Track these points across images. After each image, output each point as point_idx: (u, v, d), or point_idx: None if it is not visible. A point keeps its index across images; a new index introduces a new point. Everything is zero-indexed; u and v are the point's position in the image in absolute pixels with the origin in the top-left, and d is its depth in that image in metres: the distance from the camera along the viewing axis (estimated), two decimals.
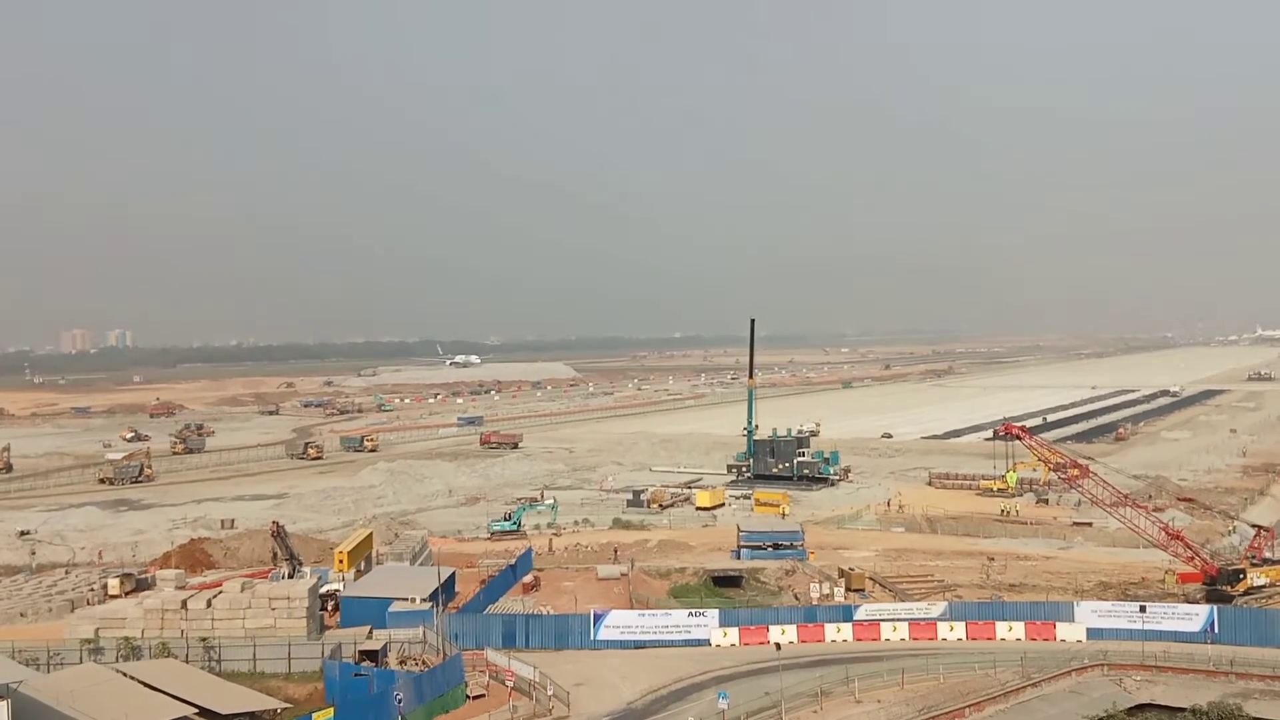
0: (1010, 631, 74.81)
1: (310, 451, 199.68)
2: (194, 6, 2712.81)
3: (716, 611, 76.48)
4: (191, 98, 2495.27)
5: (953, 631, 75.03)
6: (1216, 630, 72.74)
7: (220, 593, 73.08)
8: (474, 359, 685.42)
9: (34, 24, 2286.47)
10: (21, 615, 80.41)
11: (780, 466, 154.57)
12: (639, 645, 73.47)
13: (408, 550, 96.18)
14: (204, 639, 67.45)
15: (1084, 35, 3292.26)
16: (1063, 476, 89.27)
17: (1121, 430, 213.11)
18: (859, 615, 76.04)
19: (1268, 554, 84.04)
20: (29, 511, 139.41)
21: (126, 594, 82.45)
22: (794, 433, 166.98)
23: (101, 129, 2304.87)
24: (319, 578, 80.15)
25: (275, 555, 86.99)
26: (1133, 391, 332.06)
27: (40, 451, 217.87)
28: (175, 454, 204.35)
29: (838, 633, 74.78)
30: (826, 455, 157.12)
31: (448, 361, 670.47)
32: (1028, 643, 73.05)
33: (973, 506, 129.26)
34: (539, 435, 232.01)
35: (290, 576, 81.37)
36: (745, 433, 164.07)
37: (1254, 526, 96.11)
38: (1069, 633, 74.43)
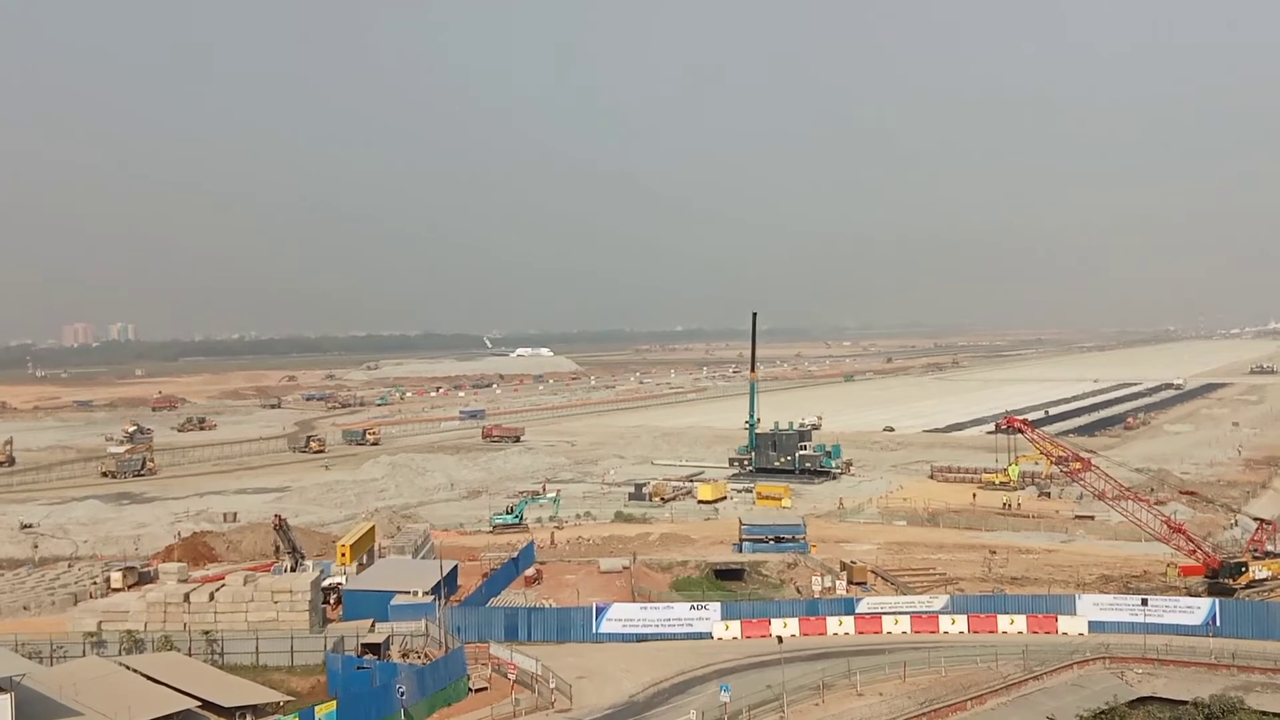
0: (1012, 624, 74.96)
1: (313, 445, 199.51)
2: (188, 5, 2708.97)
3: (718, 604, 76.64)
4: (191, 93, 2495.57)
5: (954, 624, 75.18)
6: (1218, 623, 72.89)
7: (223, 586, 73.31)
8: (544, 351, 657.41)
9: (35, 18, 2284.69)
10: (24, 609, 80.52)
11: (782, 460, 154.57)
12: (641, 638, 73.64)
13: (410, 544, 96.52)
14: (206, 632, 67.64)
15: (1084, 33, 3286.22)
16: (1065, 470, 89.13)
17: (1130, 420, 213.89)
18: (861, 608, 76.18)
19: (1269, 547, 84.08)
20: (32, 505, 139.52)
21: (129, 587, 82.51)
22: (796, 426, 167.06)
23: (103, 123, 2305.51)
24: (321, 571, 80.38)
25: (278, 548, 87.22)
26: (1135, 384, 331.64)
27: (43, 445, 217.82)
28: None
29: (839, 626, 74.94)
30: (828, 449, 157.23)
31: (513, 354, 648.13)
32: (1029, 636, 73.13)
33: (975, 500, 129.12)
34: (541, 429, 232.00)
35: (293, 570, 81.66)
36: (747, 426, 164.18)
37: (1256, 519, 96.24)
38: (1071, 626, 74.51)
